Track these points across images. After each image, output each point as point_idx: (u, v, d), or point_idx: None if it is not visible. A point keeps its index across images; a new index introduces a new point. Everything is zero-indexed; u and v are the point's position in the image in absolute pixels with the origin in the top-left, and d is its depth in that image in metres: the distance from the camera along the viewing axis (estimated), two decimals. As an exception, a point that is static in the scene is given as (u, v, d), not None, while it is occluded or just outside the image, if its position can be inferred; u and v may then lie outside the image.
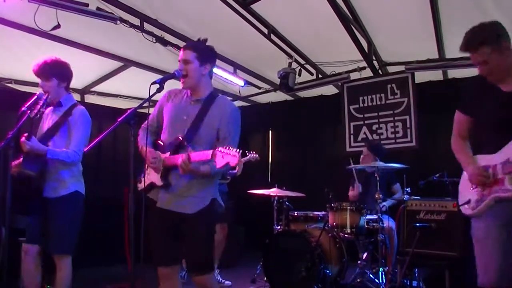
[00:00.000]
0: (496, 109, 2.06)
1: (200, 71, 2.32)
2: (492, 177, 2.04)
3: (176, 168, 2.17)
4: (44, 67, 2.81)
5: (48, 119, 2.87)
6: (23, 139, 2.58)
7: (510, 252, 1.97)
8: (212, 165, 2.08)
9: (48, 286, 3.51)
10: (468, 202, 2.14)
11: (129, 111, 2.19)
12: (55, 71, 2.84)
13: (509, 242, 1.98)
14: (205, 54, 2.34)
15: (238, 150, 1.93)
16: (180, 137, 2.23)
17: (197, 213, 2.23)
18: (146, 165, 2.32)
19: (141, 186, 2.36)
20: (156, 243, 2.29)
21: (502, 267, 1.96)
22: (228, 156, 1.92)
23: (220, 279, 4.32)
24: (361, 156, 4.40)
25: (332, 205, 4.02)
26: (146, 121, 2.36)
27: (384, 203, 4.05)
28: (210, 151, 2.01)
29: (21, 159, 2.64)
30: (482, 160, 2.13)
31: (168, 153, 2.26)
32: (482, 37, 1.98)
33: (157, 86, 2.25)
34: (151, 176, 2.31)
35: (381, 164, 3.90)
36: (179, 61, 2.33)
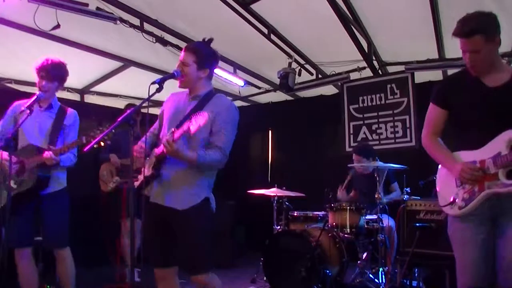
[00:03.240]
0: (480, 104, 2.01)
1: (198, 74, 2.32)
2: (482, 172, 1.95)
3: (168, 160, 2.19)
4: (49, 68, 2.82)
5: (38, 120, 2.86)
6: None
7: (491, 253, 1.93)
8: (200, 153, 2.14)
9: (48, 286, 3.51)
10: (453, 202, 2.03)
11: (128, 111, 2.19)
12: (59, 74, 2.88)
13: (489, 242, 1.94)
14: (205, 58, 2.31)
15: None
16: (173, 129, 2.14)
17: (189, 210, 2.19)
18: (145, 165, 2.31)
19: (137, 183, 2.32)
20: (149, 243, 2.27)
21: (483, 269, 1.92)
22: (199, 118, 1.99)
23: None
24: (355, 163, 4.39)
25: (332, 205, 4.03)
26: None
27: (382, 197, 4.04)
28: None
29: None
30: (466, 156, 2.03)
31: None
32: (479, 24, 1.92)
33: (157, 86, 2.25)
34: (146, 171, 2.30)
35: (381, 164, 3.90)
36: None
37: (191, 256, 2.18)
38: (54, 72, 2.85)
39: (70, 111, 3.00)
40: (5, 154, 2.72)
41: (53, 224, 2.80)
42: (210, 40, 2.38)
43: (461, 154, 2.07)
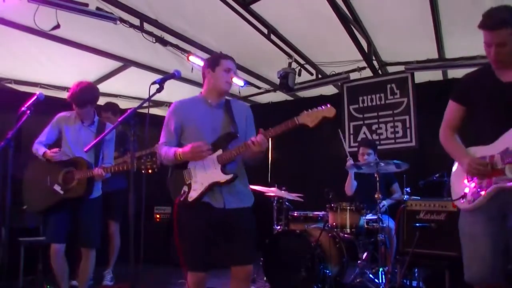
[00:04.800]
0: (494, 99, 2.02)
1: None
2: (491, 167, 1.98)
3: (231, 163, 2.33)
4: (78, 96, 3.08)
5: (82, 135, 3.17)
6: None
7: (499, 246, 1.94)
8: None
9: (48, 286, 3.52)
10: (464, 196, 2.07)
11: (129, 111, 2.20)
12: (89, 98, 3.13)
13: (498, 235, 1.95)
14: None
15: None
16: (233, 130, 2.36)
17: (251, 206, 2.40)
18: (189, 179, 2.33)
19: (194, 195, 2.30)
20: (201, 247, 2.29)
21: (491, 262, 1.94)
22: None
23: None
24: (360, 157, 4.39)
25: (332, 205, 4.02)
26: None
27: (383, 202, 4.06)
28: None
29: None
30: (478, 151, 2.07)
31: (220, 150, 2.32)
32: (507, 17, 1.89)
33: (157, 86, 2.25)
34: (197, 186, 2.30)
35: (381, 162, 3.89)
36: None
37: (252, 247, 2.34)
38: (83, 99, 3.09)
39: (109, 125, 3.29)
40: (49, 152, 3.07)
41: (91, 226, 3.11)
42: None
43: (475, 149, 2.10)
